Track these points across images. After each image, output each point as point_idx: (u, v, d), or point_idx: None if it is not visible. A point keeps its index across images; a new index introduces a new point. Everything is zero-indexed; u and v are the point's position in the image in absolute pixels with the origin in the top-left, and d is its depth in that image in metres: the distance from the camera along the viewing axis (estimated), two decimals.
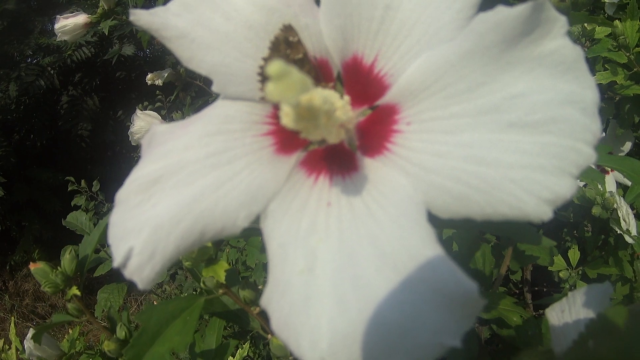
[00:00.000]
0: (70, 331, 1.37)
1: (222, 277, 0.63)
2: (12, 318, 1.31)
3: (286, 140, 0.39)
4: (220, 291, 0.68)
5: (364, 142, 0.37)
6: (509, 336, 0.87)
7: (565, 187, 0.28)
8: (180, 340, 0.66)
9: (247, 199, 0.35)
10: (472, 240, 0.95)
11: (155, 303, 2.18)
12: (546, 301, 1.42)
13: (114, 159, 4.93)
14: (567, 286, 1.33)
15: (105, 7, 1.84)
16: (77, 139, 4.88)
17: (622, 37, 1.22)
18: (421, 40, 0.36)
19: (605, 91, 1.36)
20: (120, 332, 0.93)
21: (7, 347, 1.27)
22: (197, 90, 2.36)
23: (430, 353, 0.26)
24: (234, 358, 1.07)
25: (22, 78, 4.61)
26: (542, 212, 0.28)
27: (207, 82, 0.41)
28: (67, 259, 0.89)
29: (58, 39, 1.83)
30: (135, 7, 1.96)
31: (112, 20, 1.82)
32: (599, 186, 1.20)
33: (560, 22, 0.29)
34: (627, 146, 1.44)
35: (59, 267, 0.88)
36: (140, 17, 0.40)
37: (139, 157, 0.41)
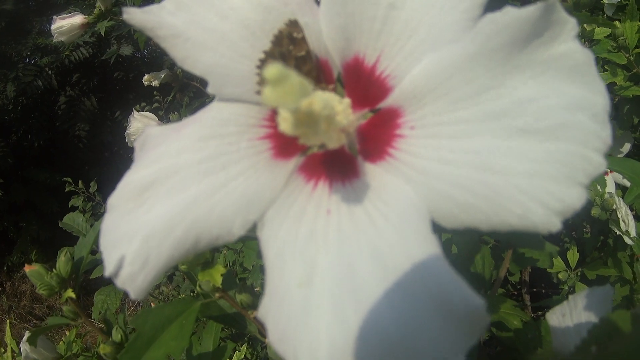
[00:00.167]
0: (67, 333, 1.36)
1: (218, 281, 0.63)
2: (8, 321, 1.30)
3: (284, 144, 0.38)
4: (217, 295, 0.67)
5: (365, 146, 0.36)
6: (508, 339, 0.86)
7: (574, 197, 0.27)
8: (176, 345, 0.66)
9: (243, 206, 0.34)
10: (472, 243, 0.94)
11: (152, 305, 2.17)
12: (545, 303, 1.42)
13: (111, 160, 4.91)
14: (566, 287, 1.33)
15: (102, 8, 1.83)
16: (75, 139, 4.87)
17: (622, 38, 1.22)
18: (425, 41, 0.34)
19: None
20: (116, 335, 0.92)
21: (3, 350, 1.26)
22: (195, 91, 2.35)
23: None
24: None
25: (20, 78, 4.60)
26: (551, 223, 0.27)
27: (204, 83, 0.40)
28: (62, 261, 0.88)
29: (55, 40, 1.82)
30: (133, 6, 1.96)
31: (108, 20, 1.82)
32: (598, 187, 1.19)
33: (571, 24, 0.28)
34: (626, 147, 1.44)
35: (54, 270, 0.88)
36: (133, 15, 0.39)
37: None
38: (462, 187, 0.29)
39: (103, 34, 1.88)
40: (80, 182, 2.75)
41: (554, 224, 0.27)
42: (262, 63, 0.39)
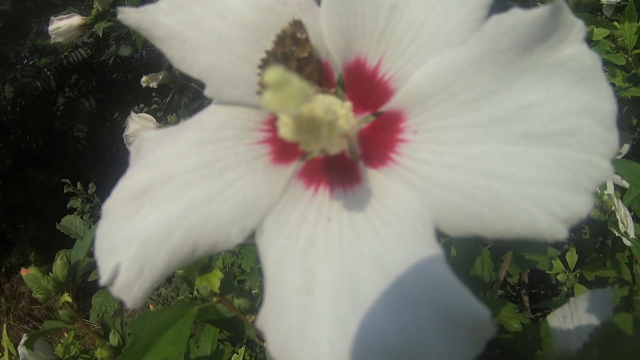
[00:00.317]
0: (65, 335, 1.36)
1: (216, 286, 0.62)
2: (5, 324, 1.29)
3: (283, 148, 0.37)
4: (215, 299, 0.67)
5: (367, 151, 0.35)
6: (507, 341, 0.86)
7: (581, 204, 0.26)
8: (173, 351, 0.65)
9: (241, 213, 0.33)
10: (472, 246, 0.94)
11: (151, 307, 2.17)
12: (544, 305, 1.42)
13: (110, 161, 4.90)
14: (565, 289, 1.33)
15: (100, 9, 1.82)
16: (74, 140, 4.86)
17: (621, 39, 1.21)
18: (429, 43, 0.34)
19: None
20: (114, 340, 0.91)
21: (0, 353, 1.26)
22: (194, 92, 2.35)
23: None
24: None
25: (18, 79, 4.59)
26: (557, 231, 0.26)
27: (202, 84, 0.39)
28: (58, 264, 0.87)
29: (52, 41, 1.82)
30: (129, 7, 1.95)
31: (106, 22, 1.81)
32: (597, 189, 1.19)
33: (578, 27, 0.28)
34: (625, 148, 1.43)
35: (50, 274, 0.87)
36: (128, 15, 0.38)
37: None
38: (466, 193, 0.28)
39: (101, 36, 1.87)
40: (78, 183, 2.74)
41: (560, 232, 0.26)
42: (264, 63, 0.38)
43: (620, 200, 1.20)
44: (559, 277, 1.33)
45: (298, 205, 0.34)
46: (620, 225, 1.16)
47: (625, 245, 1.16)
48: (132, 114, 1.79)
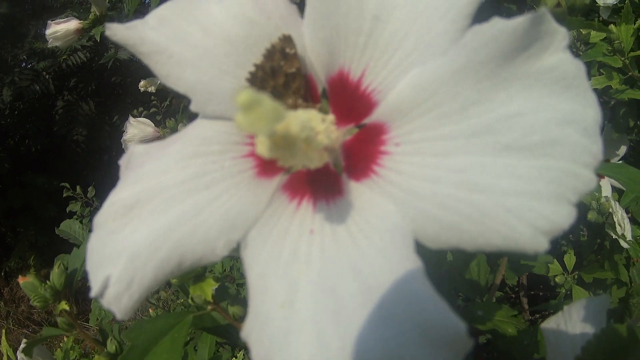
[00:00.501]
0: (65, 339, 1.36)
1: (209, 295, 0.62)
2: (4, 330, 1.29)
3: (268, 162, 0.37)
4: (209, 307, 0.67)
5: (351, 163, 0.35)
6: (504, 345, 0.86)
7: (562, 216, 0.26)
8: (168, 358, 0.65)
9: (226, 227, 0.33)
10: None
11: (150, 310, 2.17)
12: (543, 307, 1.42)
13: (110, 164, 4.90)
14: (563, 291, 1.33)
15: (97, 13, 1.82)
16: (73, 144, 4.87)
17: (617, 41, 1.21)
18: (412, 53, 0.33)
19: (601, 95, 1.36)
20: (111, 346, 0.92)
21: None
22: None
23: None
24: None
25: (16, 83, 4.60)
26: (538, 244, 0.26)
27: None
28: (56, 273, 0.88)
29: (50, 45, 1.82)
30: (128, 13, 1.94)
31: (104, 26, 1.81)
32: (594, 191, 1.19)
33: (561, 35, 0.27)
34: (622, 150, 1.44)
35: (48, 282, 0.87)
36: (115, 31, 0.39)
37: None
38: (446, 206, 0.28)
39: (98, 40, 1.87)
40: (78, 187, 2.74)
41: (541, 244, 0.26)
42: (252, 76, 0.38)
43: (617, 203, 1.20)
44: (557, 279, 1.33)
45: (282, 218, 0.34)
46: (618, 228, 1.17)
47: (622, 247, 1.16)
48: (131, 119, 1.80)
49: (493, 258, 1.03)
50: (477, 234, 0.27)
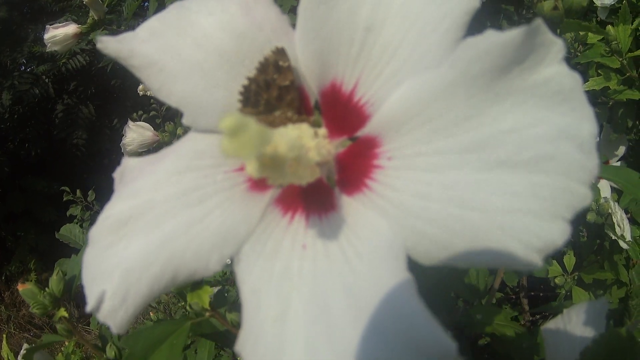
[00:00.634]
0: (66, 343, 1.36)
1: (206, 303, 0.62)
2: (4, 335, 1.29)
3: None
4: (207, 314, 0.67)
5: (344, 176, 0.35)
6: (503, 348, 0.86)
7: (556, 234, 0.25)
8: None
9: (219, 242, 0.33)
10: None
11: (151, 314, 2.17)
12: (543, 309, 1.42)
13: (110, 168, 4.82)
14: (563, 292, 1.33)
15: (95, 17, 1.82)
16: (73, 148, 4.86)
17: (615, 42, 1.21)
18: (405, 65, 0.33)
19: (599, 96, 1.36)
20: (110, 352, 0.92)
21: None
22: None
23: None
24: None
25: (16, 87, 4.60)
26: (531, 261, 0.25)
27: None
28: (54, 280, 0.88)
29: (48, 49, 1.82)
30: (127, 17, 1.94)
31: (102, 30, 1.81)
32: (594, 192, 1.19)
33: (557, 47, 0.27)
34: (621, 150, 1.44)
35: (47, 289, 0.88)
36: (107, 44, 0.38)
37: None
38: (438, 223, 0.28)
39: (97, 45, 1.87)
40: (78, 190, 2.74)
41: (534, 262, 0.26)
42: (246, 89, 0.38)
43: (616, 204, 1.20)
44: (556, 281, 1.33)
45: (275, 233, 0.34)
46: (617, 228, 1.17)
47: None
48: (130, 123, 1.79)
49: None
50: (468, 251, 0.27)
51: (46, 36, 1.80)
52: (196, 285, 0.64)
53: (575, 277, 1.32)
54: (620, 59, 1.23)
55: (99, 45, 0.38)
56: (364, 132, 0.34)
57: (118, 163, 0.40)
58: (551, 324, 0.59)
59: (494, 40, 0.28)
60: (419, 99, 0.30)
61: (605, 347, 0.43)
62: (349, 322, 0.27)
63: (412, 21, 0.33)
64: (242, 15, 0.39)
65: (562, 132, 0.26)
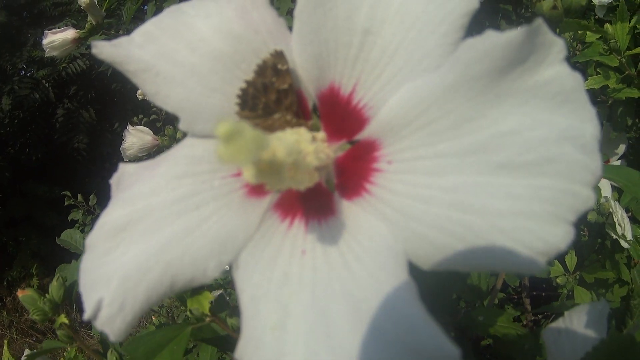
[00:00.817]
0: (68, 349, 1.36)
1: (206, 308, 0.62)
2: (6, 341, 1.29)
3: None
4: (207, 319, 0.67)
5: (343, 180, 0.34)
6: (504, 349, 0.86)
7: (559, 237, 0.25)
8: None
9: (217, 248, 0.33)
10: None
11: (153, 318, 2.17)
12: (546, 308, 1.41)
13: (111, 172, 4.83)
14: (565, 291, 1.33)
15: (94, 22, 1.82)
16: (74, 152, 4.87)
17: (613, 40, 1.21)
18: (404, 68, 0.32)
19: (598, 95, 1.35)
20: (111, 358, 0.92)
21: None
22: None
23: None
24: None
25: (16, 91, 4.61)
26: (534, 265, 0.25)
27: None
28: (54, 286, 0.88)
29: (47, 55, 1.82)
30: (126, 20, 1.94)
31: (100, 35, 1.81)
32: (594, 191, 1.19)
33: (558, 47, 0.26)
34: (621, 149, 1.43)
35: (47, 295, 0.88)
36: (102, 49, 0.38)
37: None
38: (438, 227, 0.27)
39: (92, 50, 1.87)
40: (79, 195, 2.74)
41: (537, 266, 0.25)
42: (244, 93, 0.38)
43: (617, 203, 1.19)
44: (558, 280, 1.32)
45: (273, 239, 0.33)
46: (618, 228, 1.16)
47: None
48: (129, 127, 1.79)
49: None
50: (470, 255, 0.26)
51: (44, 41, 1.80)
52: (196, 290, 0.64)
53: (577, 277, 1.32)
54: (619, 57, 1.22)
55: (94, 51, 0.38)
56: (363, 135, 0.34)
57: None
58: (553, 326, 0.59)
59: (493, 41, 0.27)
60: (419, 101, 0.30)
61: (606, 351, 0.43)
62: (349, 327, 0.27)
63: (411, 23, 0.33)
64: (239, 18, 0.39)
65: (563, 133, 0.26)
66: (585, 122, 0.26)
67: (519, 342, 0.81)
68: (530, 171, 0.26)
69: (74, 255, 1.03)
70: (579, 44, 1.34)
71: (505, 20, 1.42)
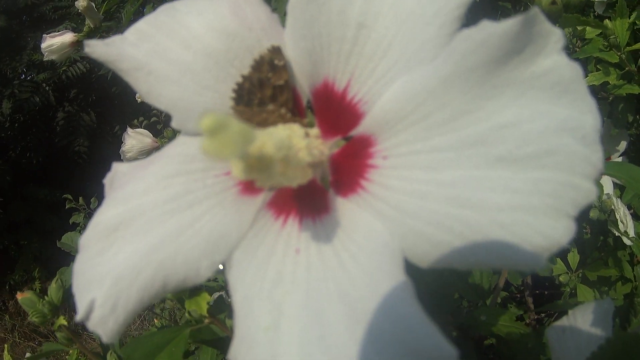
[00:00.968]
0: (70, 352, 1.36)
1: (204, 310, 0.62)
2: (6, 345, 1.29)
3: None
4: (206, 321, 0.66)
5: (338, 177, 0.34)
6: (507, 348, 0.85)
7: (560, 231, 0.24)
8: None
9: (209, 247, 0.32)
10: None
11: (155, 321, 2.17)
12: (548, 307, 1.41)
13: None
14: (568, 289, 1.32)
15: (92, 25, 1.82)
16: (75, 155, 4.88)
17: (613, 36, 1.20)
18: (399, 61, 0.32)
19: (599, 91, 1.35)
20: None
21: None
22: None
23: None
24: None
25: (16, 95, 4.61)
26: (535, 261, 0.24)
27: None
28: (53, 288, 0.88)
29: (45, 58, 1.82)
30: (125, 23, 1.94)
31: (98, 38, 1.81)
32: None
33: (555, 36, 0.25)
34: (622, 145, 1.43)
35: (46, 297, 0.87)
36: (94, 48, 0.37)
37: None
38: (436, 224, 0.26)
39: (85, 49, 1.87)
40: (80, 198, 2.74)
41: (538, 261, 0.24)
42: (239, 87, 0.37)
43: (619, 200, 1.19)
44: (561, 279, 1.32)
45: (267, 237, 0.33)
46: (620, 225, 1.16)
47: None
48: (129, 130, 1.79)
49: None
50: (468, 252, 0.25)
51: (43, 45, 1.80)
52: (194, 291, 0.63)
53: (580, 275, 1.32)
54: (619, 54, 1.22)
55: (86, 50, 0.37)
56: (358, 131, 0.33)
57: None
58: (557, 324, 0.58)
59: (489, 31, 0.27)
60: (414, 95, 0.29)
61: (612, 350, 0.42)
62: (344, 327, 0.26)
63: (406, 15, 0.32)
64: (232, 15, 0.38)
65: (563, 125, 0.25)
66: (585, 113, 0.25)
67: (522, 341, 0.81)
68: (529, 164, 0.25)
69: (75, 258, 1.03)
70: (578, 41, 1.33)
71: (504, 17, 1.41)
